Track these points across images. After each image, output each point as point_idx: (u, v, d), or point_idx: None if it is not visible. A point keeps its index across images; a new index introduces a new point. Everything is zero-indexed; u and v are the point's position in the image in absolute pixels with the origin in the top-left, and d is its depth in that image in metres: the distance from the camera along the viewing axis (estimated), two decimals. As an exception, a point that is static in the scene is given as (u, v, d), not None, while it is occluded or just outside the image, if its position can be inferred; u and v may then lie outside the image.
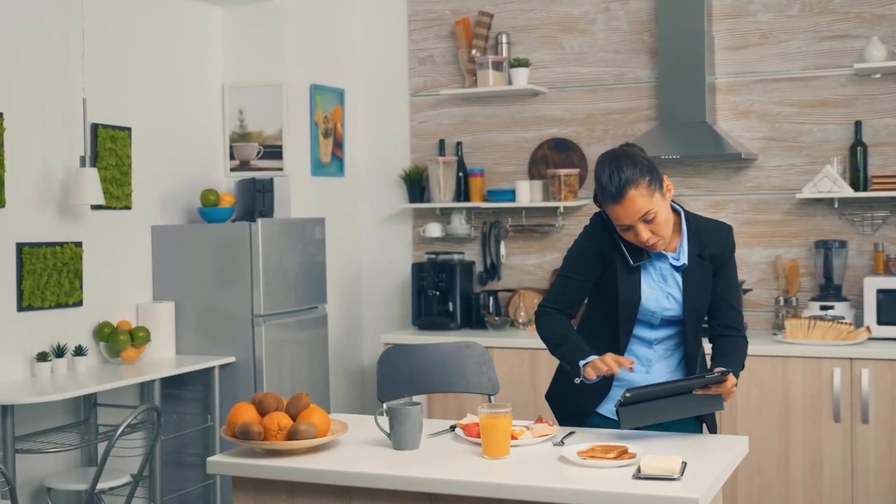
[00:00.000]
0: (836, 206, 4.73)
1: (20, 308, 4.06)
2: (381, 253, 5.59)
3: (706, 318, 2.98)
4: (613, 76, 5.14)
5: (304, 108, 5.17)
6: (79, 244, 4.32)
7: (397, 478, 2.46)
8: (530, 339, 4.74)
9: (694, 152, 4.77)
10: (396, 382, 3.44)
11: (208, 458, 2.68)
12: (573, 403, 2.87)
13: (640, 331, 2.91)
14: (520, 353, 4.76)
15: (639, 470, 2.36)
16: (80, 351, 4.23)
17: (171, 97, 4.87)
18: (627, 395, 2.63)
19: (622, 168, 2.75)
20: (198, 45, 5.05)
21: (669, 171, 5.01)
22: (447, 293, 5.15)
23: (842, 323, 4.40)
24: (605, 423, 2.92)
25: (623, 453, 2.47)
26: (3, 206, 3.99)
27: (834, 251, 4.64)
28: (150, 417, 3.98)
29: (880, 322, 4.42)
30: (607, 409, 2.91)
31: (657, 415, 2.68)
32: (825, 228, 4.78)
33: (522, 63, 5.13)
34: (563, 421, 3.01)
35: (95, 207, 4.40)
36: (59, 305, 4.22)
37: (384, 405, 3.17)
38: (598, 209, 2.90)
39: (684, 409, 2.73)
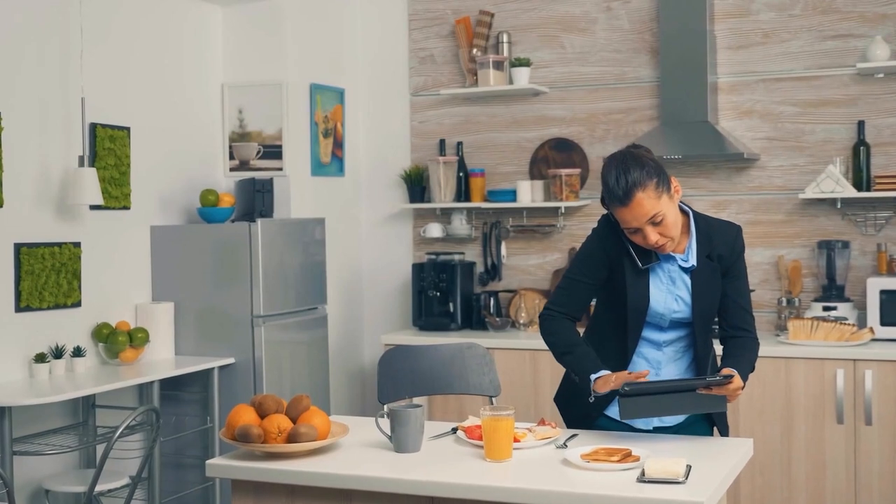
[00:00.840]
0: (839, 206, 4.71)
1: (18, 309, 4.04)
2: (382, 253, 5.57)
3: (716, 320, 2.95)
4: (615, 76, 5.12)
5: (304, 108, 5.14)
6: (77, 244, 4.29)
7: (398, 481, 2.43)
8: (531, 340, 4.72)
9: (696, 152, 4.74)
10: (397, 384, 3.42)
11: (207, 462, 2.66)
12: (582, 406, 2.84)
13: (649, 333, 2.88)
14: (521, 355, 4.74)
15: (643, 473, 2.33)
16: (78, 352, 4.20)
17: (171, 97, 4.85)
18: (627, 388, 2.60)
19: (629, 170, 2.72)
20: (197, 45, 5.03)
21: (671, 171, 4.94)
22: (448, 294, 5.13)
23: (845, 324, 4.37)
24: (613, 425, 2.90)
25: (627, 456, 2.45)
26: (1, 207, 3.96)
27: (837, 252, 4.62)
28: (148, 419, 3.96)
29: (883, 323, 4.40)
30: (615, 411, 2.88)
31: (658, 409, 2.65)
32: (828, 229, 4.75)
33: (523, 63, 5.11)
34: (571, 423, 2.98)
35: (94, 207, 4.38)
36: (57, 306, 4.19)
37: (385, 407, 3.15)
38: (605, 211, 2.87)
39: (687, 406, 2.70)
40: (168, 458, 4.60)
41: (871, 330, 4.38)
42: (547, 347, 2.96)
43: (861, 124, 4.65)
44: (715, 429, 2.97)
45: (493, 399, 3.44)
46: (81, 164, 4.15)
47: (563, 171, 5.03)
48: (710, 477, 2.37)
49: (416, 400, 3.80)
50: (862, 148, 4.62)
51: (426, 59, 5.48)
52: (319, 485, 2.51)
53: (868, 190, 4.60)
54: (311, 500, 2.54)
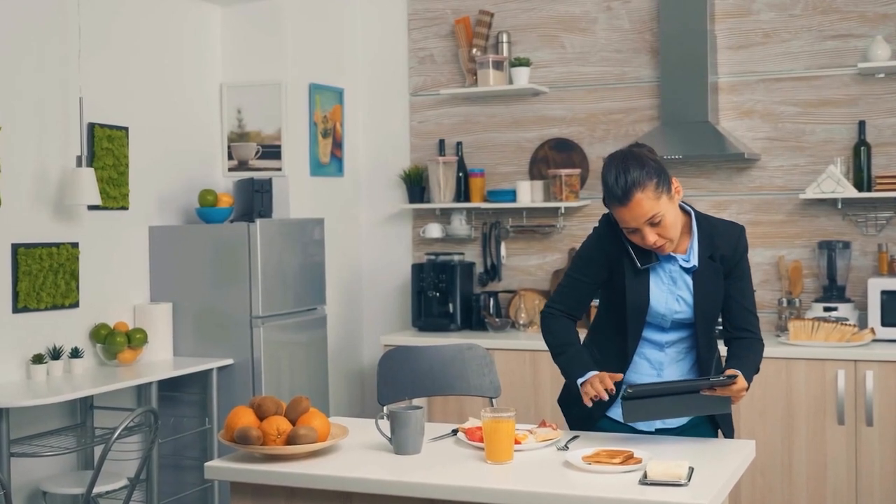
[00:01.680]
0: (840, 206, 4.69)
1: (15, 310, 4.02)
2: (381, 254, 5.55)
3: (720, 321, 2.93)
4: (615, 76, 5.11)
5: (303, 108, 5.13)
6: (75, 245, 4.28)
7: (399, 483, 2.42)
8: (531, 340, 4.71)
9: (696, 152, 4.73)
10: (397, 385, 3.40)
11: (206, 464, 2.64)
12: (583, 407, 2.82)
13: (650, 334, 2.87)
14: (520, 355, 4.72)
15: (645, 475, 2.32)
16: (76, 353, 4.19)
17: (169, 96, 4.83)
18: (630, 390, 2.58)
19: (629, 170, 2.69)
20: (196, 44, 5.01)
21: (672, 171, 4.88)
22: (447, 294, 5.11)
23: (846, 324, 4.36)
24: (615, 426, 2.88)
25: (629, 458, 2.43)
26: (-1, 207, 3.95)
27: (837, 252, 4.61)
28: (147, 420, 3.94)
29: (884, 324, 4.39)
30: (617, 412, 2.86)
31: (662, 411, 2.64)
32: (828, 229, 4.74)
33: (523, 62, 5.09)
34: (572, 424, 2.97)
35: (92, 208, 4.36)
36: (55, 307, 4.17)
37: (384, 409, 3.13)
38: (606, 210, 2.86)
39: (690, 408, 2.68)
40: (166, 460, 4.58)
41: (872, 331, 4.37)
42: (546, 347, 2.96)
43: (862, 124, 4.64)
44: (719, 431, 2.94)
45: (494, 400, 3.42)
46: (79, 164, 4.13)
47: (563, 172, 5.02)
48: (712, 479, 2.35)
49: (415, 401, 3.78)
50: (863, 148, 4.61)
51: (426, 58, 5.47)
52: (319, 487, 2.49)
53: (869, 190, 4.58)
54: (311, 502, 2.52)
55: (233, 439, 2.59)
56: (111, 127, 4.47)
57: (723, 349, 2.94)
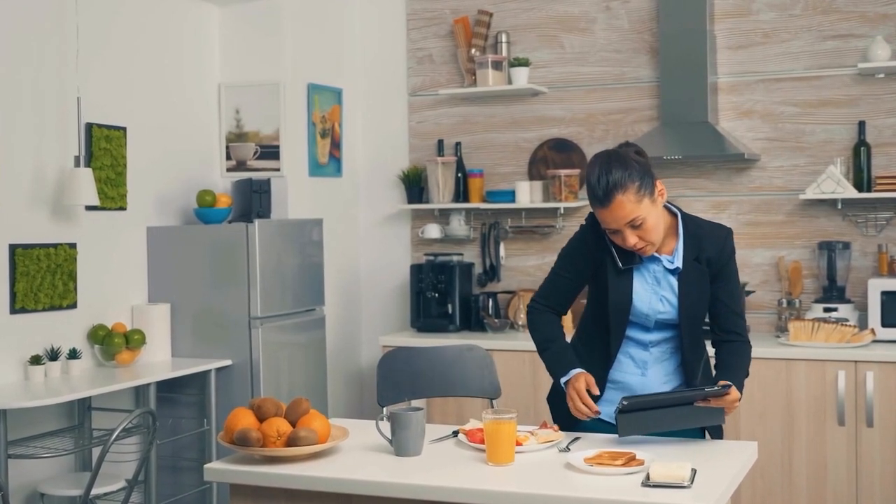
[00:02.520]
0: (840, 206, 4.68)
1: (13, 310, 4.00)
2: (380, 254, 5.54)
3: (708, 323, 2.92)
4: (614, 76, 5.10)
5: (302, 108, 5.11)
6: (73, 245, 4.26)
7: (400, 485, 2.40)
8: (530, 341, 4.65)
9: (696, 153, 4.72)
10: (396, 386, 3.39)
11: (206, 466, 2.63)
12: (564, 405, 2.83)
13: (635, 333, 2.87)
14: (519, 356, 4.71)
15: (648, 477, 2.31)
16: (74, 354, 4.17)
17: (167, 96, 4.82)
18: (625, 402, 2.57)
19: (611, 171, 2.69)
20: (194, 44, 4.99)
21: (671, 171, 4.97)
22: (446, 295, 5.10)
23: (846, 325, 4.35)
24: (600, 426, 2.87)
25: (631, 460, 2.42)
26: (-4, 207, 3.94)
27: (837, 252, 4.60)
28: (145, 421, 3.92)
29: (884, 324, 4.38)
30: (603, 410, 2.84)
31: (656, 424, 2.62)
32: (828, 229, 4.73)
33: (522, 62, 5.08)
34: (557, 421, 2.97)
35: (90, 208, 4.34)
36: (52, 308, 4.16)
37: (385, 410, 3.12)
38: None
39: (685, 420, 2.67)
40: (165, 461, 4.57)
41: (873, 331, 4.36)
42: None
43: (862, 125, 4.63)
44: (706, 433, 2.93)
45: (494, 402, 3.41)
46: (77, 164, 4.11)
47: (563, 172, 5.01)
48: (715, 481, 2.34)
49: (415, 402, 3.77)
50: (863, 148, 4.60)
51: (424, 58, 5.46)
52: (319, 489, 2.48)
53: (869, 191, 4.57)
54: (311, 504, 2.51)
55: (232, 441, 2.58)
56: (109, 127, 4.45)
57: (711, 350, 2.94)
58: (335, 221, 5.29)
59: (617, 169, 2.69)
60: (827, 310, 4.51)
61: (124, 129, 4.54)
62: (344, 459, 2.60)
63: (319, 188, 5.22)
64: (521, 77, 5.08)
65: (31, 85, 4.11)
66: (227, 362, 4.53)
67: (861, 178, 4.58)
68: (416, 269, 5.17)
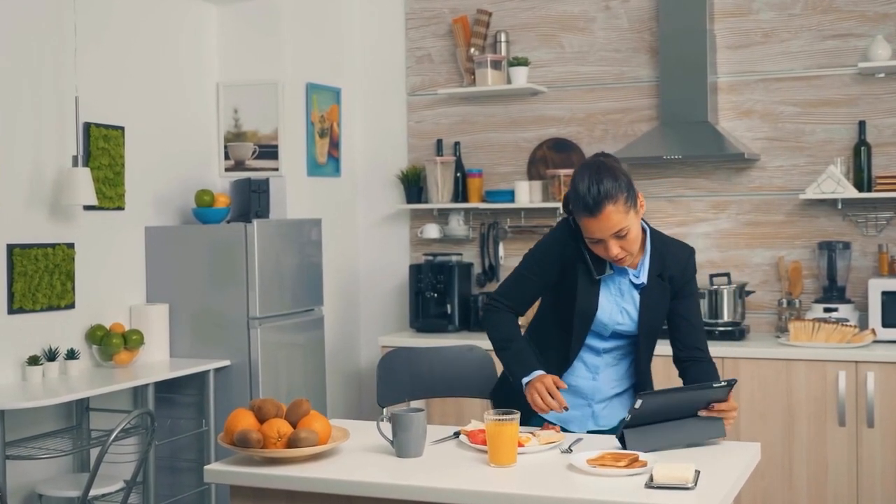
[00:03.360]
0: (840, 206, 4.67)
1: (11, 311, 3.98)
2: (379, 254, 5.53)
3: (670, 341, 2.97)
4: (614, 75, 5.08)
5: (300, 108, 5.10)
6: (71, 245, 4.24)
7: (401, 487, 2.39)
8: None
9: (696, 152, 4.71)
10: (396, 387, 3.38)
11: (206, 467, 2.61)
12: (516, 404, 2.80)
13: (590, 340, 2.92)
14: (519, 356, 4.69)
15: (651, 479, 2.29)
16: (72, 354, 4.15)
17: (166, 96, 4.80)
18: (639, 401, 2.54)
19: (602, 180, 2.71)
20: (192, 43, 4.98)
21: (671, 171, 4.96)
22: (445, 295, 5.08)
23: (846, 325, 4.34)
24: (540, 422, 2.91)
25: (634, 461, 2.40)
26: (-6, 207, 3.92)
27: (837, 252, 4.59)
28: (143, 422, 3.90)
29: (885, 324, 4.37)
30: (552, 414, 2.86)
31: (662, 439, 2.60)
32: (828, 229, 4.72)
33: (521, 62, 5.07)
34: None
35: (88, 208, 4.32)
36: (50, 308, 4.14)
37: (385, 411, 3.10)
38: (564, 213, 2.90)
39: (689, 435, 2.65)
40: (163, 462, 4.55)
41: (873, 331, 4.35)
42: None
43: (862, 124, 4.62)
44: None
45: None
46: (75, 163, 4.10)
47: (562, 172, 4.99)
48: (719, 482, 2.33)
49: (415, 403, 3.76)
50: (863, 148, 4.59)
51: (423, 58, 5.44)
52: (320, 490, 2.46)
53: (869, 190, 4.57)
54: (312, 506, 2.50)
55: (232, 442, 2.56)
56: (107, 126, 4.43)
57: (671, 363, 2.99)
58: (334, 221, 5.28)
59: (607, 179, 2.71)
60: (827, 310, 4.51)
61: (122, 128, 4.52)
62: (345, 461, 2.58)
63: (318, 188, 5.21)
64: (520, 77, 5.07)
65: (30, 84, 4.09)
66: (226, 363, 4.52)
67: (861, 178, 4.57)
68: (415, 269, 5.15)
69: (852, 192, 4.51)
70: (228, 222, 4.65)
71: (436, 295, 5.09)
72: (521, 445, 2.58)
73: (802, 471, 4.26)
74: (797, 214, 4.78)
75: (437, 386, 3.43)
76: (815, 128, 4.75)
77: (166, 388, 4.49)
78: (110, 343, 4.26)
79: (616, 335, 2.91)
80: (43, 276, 4.10)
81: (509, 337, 2.93)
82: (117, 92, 4.52)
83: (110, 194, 4.44)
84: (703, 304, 4.60)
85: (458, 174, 5.24)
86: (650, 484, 2.28)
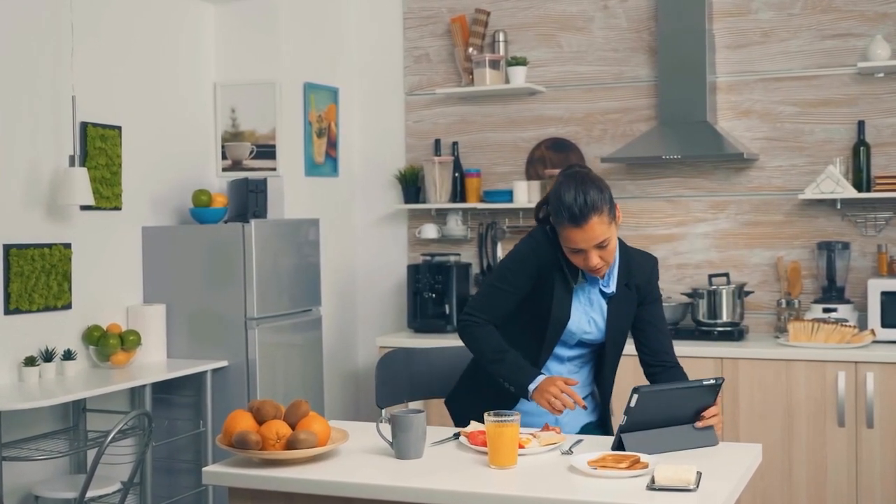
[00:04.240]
0: (839, 206, 4.66)
1: (7, 311, 3.96)
2: (376, 254, 5.51)
3: (637, 348, 3.01)
4: (612, 75, 5.07)
5: (298, 107, 5.08)
6: (67, 245, 4.22)
7: (401, 489, 2.37)
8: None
9: (694, 152, 4.70)
10: (395, 387, 3.36)
11: (204, 469, 2.60)
12: (475, 410, 2.81)
13: (556, 348, 2.94)
14: (518, 357, 4.68)
15: (653, 480, 2.28)
16: (68, 355, 4.13)
17: (163, 95, 4.78)
18: (631, 406, 2.53)
19: (588, 191, 2.73)
20: (190, 43, 4.96)
21: (670, 171, 4.95)
22: (443, 295, 5.07)
23: (846, 326, 4.33)
24: None
25: (636, 463, 2.39)
26: (-10, 207, 3.90)
27: (837, 253, 4.58)
28: (140, 423, 3.89)
29: (884, 325, 4.36)
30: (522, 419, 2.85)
31: (657, 444, 2.59)
32: (828, 230, 4.71)
33: (520, 62, 5.05)
34: (460, 424, 3.00)
35: (85, 208, 4.31)
36: (47, 308, 4.12)
37: (383, 412, 3.09)
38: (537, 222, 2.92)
39: (682, 442, 2.65)
40: (160, 463, 4.53)
41: (873, 332, 4.34)
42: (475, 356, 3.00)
43: (861, 124, 4.61)
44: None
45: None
46: (72, 163, 4.08)
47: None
48: (721, 484, 2.32)
49: (414, 404, 3.74)
50: (862, 148, 4.58)
51: (421, 58, 5.43)
52: (319, 492, 2.45)
53: (868, 190, 4.56)
54: (311, 508, 2.48)
55: (231, 444, 2.54)
56: (104, 126, 4.41)
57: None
58: (331, 221, 5.26)
59: (592, 190, 2.74)
60: (826, 310, 4.49)
61: (119, 128, 4.50)
62: (344, 462, 2.57)
63: (316, 188, 5.19)
64: (518, 76, 5.05)
65: (26, 84, 4.07)
66: (223, 363, 4.50)
67: (860, 178, 4.56)
68: (413, 270, 5.14)
69: (851, 192, 4.50)
70: (226, 222, 4.63)
71: (434, 295, 5.08)
72: (521, 447, 2.56)
73: (802, 471, 4.25)
74: (796, 214, 4.77)
75: (437, 386, 3.41)
76: (815, 128, 4.74)
77: (163, 389, 4.47)
78: (107, 344, 4.24)
79: (581, 344, 2.94)
80: (39, 277, 4.08)
81: (500, 349, 2.90)
82: (114, 91, 4.50)
83: (107, 194, 4.42)
84: (703, 304, 4.60)
85: (457, 174, 5.23)
86: (652, 486, 2.26)
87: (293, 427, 2.58)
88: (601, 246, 2.75)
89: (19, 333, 4.01)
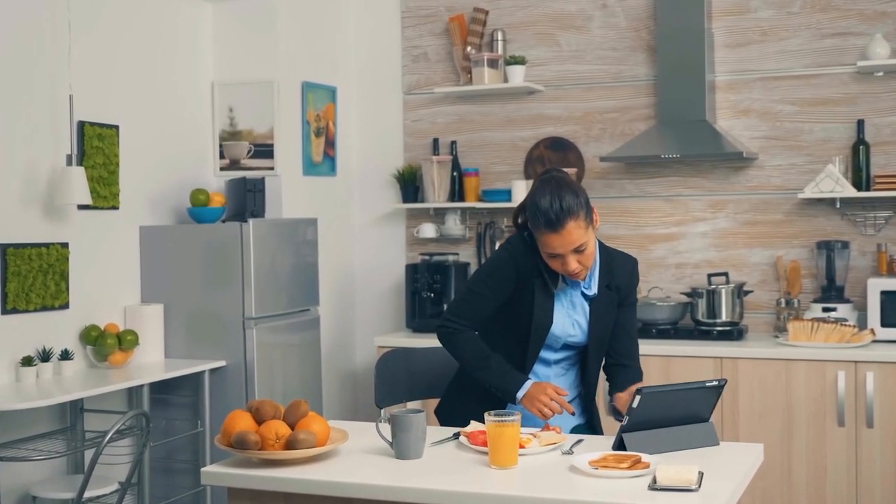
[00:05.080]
0: (838, 206, 4.66)
1: (4, 311, 3.95)
2: (375, 254, 5.50)
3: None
4: (611, 74, 5.06)
5: (296, 106, 5.07)
6: (65, 245, 4.20)
7: (400, 489, 2.36)
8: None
9: (693, 151, 4.69)
10: (394, 387, 3.35)
11: (203, 469, 2.59)
12: (463, 420, 2.82)
13: (542, 352, 2.94)
14: (517, 357, 4.67)
15: (654, 480, 2.27)
16: (66, 355, 4.11)
17: (160, 95, 4.76)
18: (633, 406, 2.52)
19: (563, 197, 2.74)
20: (187, 42, 4.94)
21: (669, 170, 4.94)
22: (442, 295, 5.06)
23: (845, 325, 4.32)
24: None
25: (637, 463, 2.38)
26: (-13, 206, 3.88)
27: (836, 252, 4.57)
28: (138, 423, 3.87)
29: (884, 324, 4.35)
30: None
31: (658, 444, 2.58)
32: (827, 229, 4.70)
33: (518, 61, 5.04)
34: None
35: (82, 207, 4.29)
36: (44, 308, 4.10)
37: (382, 411, 3.08)
38: (512, 227, 2.92)
39: (683, 442, 2.64)
40: (158, 463, 4.52)
41: (872, 331, 4.33)
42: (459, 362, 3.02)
43: (860, 123, 4.60)
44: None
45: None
46: (69, 162, 4.06)
47: (559, 171, 4.97)
48: (723, 484, 2.31)
49: (413, 404, 3.73)
50: (861, 147, 4.58)
51: (419, 57, 5.41)
52: (318, 493, 2.44)
53: (868, 189, 4.55)
54: (310, 508, 2.47)
55: (230, 444, 2.53)
56: (101, 125, 4.40)
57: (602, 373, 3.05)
58: (330, 221, 5.25)
59: (568, 195, 2.74)
60: (826, 309, 4.49)
61: (117, 127, 4.49)
62: (343, 462, 2.56)
63: (314, 187, 5.18)
64: (516, 75, 5.04)
65: (23, 82, 4.06)
66: (221, 363, 4.48)
67: (860, 177, 4.55)
68: (412, 269, 5.13)
69: (851, 192, 4.49)
70: (224, 222, 4.62)
71: (432, 295, 5.06)
72: (521, 447, 2.55)
73: (801, 471, 4.25)
74: (795, 214, 4.76)
75: (436, 387, 3.40)
76: (814, 127, 4.73)
77: (161, 389, 4.46)
78: (105, 343, 4.22)
79: (566, 346, 2.95)
80: (37, 276, 4.06)
81: (484, 355, 2.90)
82: (112, 90, 4.48)
83: (104, 193, 4.40)
84: (702, 304, 4.59)
85: (455, 173, 5.22)
86: (653, 486, 2.25)
87: (292, 427, 2.57)
88: (579, 250, 2.76)
89: (16, 333, 3.99)
